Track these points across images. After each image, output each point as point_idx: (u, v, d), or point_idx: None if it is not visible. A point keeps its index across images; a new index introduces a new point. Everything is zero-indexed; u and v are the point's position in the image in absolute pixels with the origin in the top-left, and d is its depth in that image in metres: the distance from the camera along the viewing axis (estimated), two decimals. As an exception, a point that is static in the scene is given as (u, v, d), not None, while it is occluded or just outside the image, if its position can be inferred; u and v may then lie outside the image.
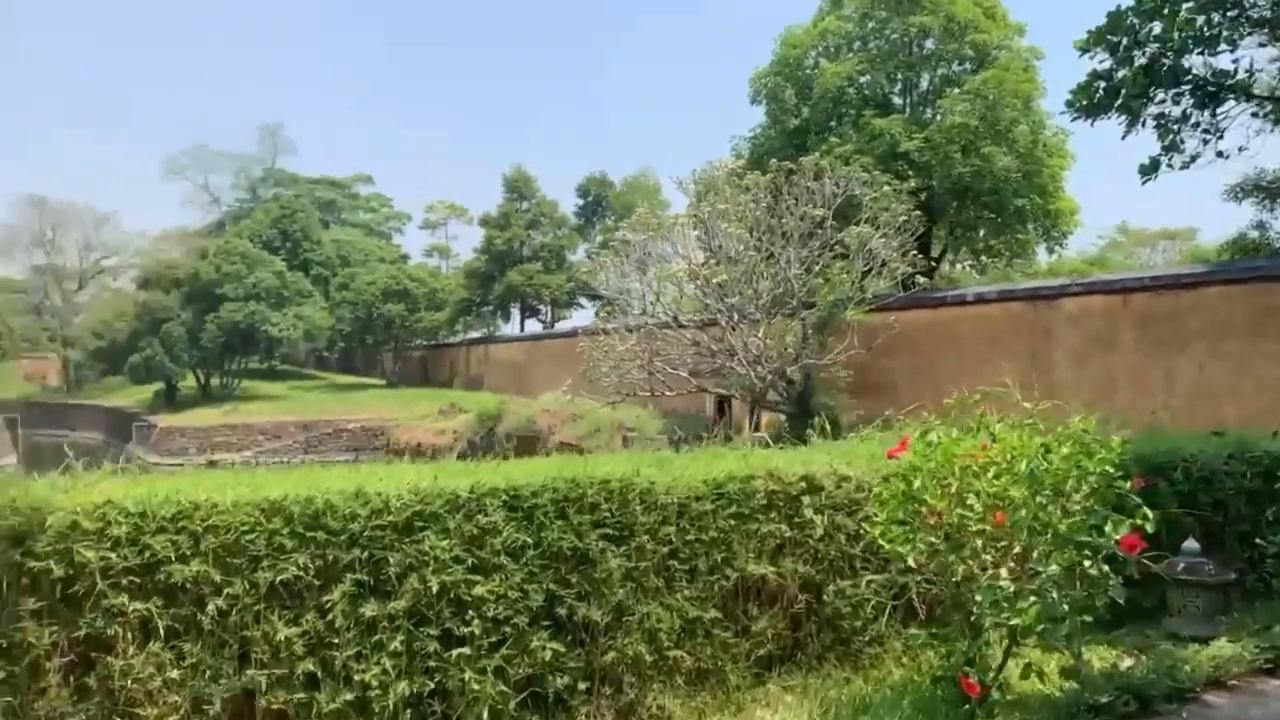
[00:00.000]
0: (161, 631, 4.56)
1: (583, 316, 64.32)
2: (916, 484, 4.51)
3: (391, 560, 4.85)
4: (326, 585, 4.80)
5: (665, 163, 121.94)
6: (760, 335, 24.02)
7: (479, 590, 4.94)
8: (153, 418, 54.28)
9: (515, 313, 68.97)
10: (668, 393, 24.85)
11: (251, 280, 57.14)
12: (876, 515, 5.00)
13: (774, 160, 24.11)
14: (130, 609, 4.51)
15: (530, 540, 5.09)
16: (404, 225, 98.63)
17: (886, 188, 23.78)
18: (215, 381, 60.33)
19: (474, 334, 69.54)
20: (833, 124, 30.07)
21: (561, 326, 61.97)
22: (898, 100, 31.58)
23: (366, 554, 4.83)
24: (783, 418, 27.25)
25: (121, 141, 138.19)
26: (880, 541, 4.88)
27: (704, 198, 24.79)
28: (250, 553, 4.67)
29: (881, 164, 26.24)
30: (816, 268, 23.86)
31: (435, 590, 4.85)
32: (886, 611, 5.90)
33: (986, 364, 21.67)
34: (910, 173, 26.45)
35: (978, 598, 4.27)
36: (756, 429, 27.95)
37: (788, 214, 23.37)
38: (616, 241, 26.26)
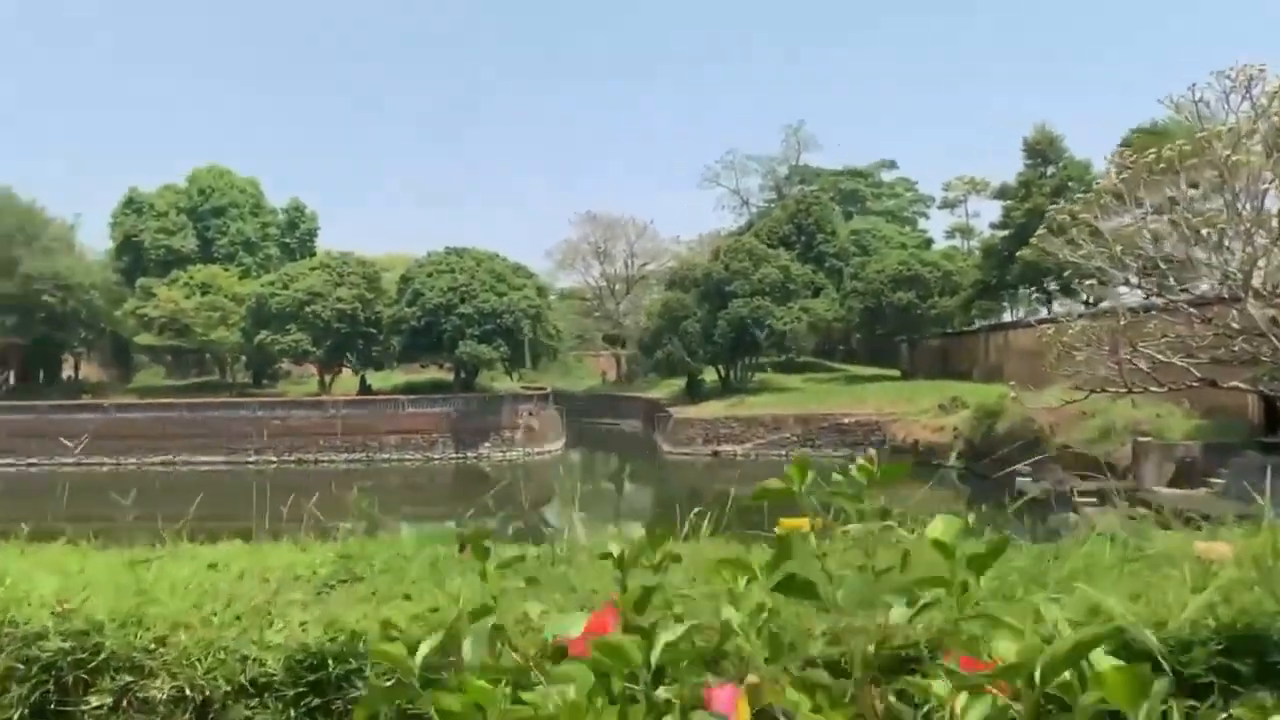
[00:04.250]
0: None
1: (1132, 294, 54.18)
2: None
3: None
4: None
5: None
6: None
7: None
8: (673, 409, 58.12)
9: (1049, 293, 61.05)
10: (1154, 388, 18.66)
11: (757, 276, 58.23)
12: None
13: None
14: None
15: None
16: (928, 208, 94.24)
17: None
18: (733, 374, 62.72)
19: (1006, 318, 63.13)
20: None
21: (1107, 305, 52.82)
22: None
23: None
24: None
25: (661, 158, 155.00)
26: None
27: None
28: None
29: None
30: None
31: None
32: None
33: None
34: None
35: None
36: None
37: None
38: (1096, 195, 20.58)
